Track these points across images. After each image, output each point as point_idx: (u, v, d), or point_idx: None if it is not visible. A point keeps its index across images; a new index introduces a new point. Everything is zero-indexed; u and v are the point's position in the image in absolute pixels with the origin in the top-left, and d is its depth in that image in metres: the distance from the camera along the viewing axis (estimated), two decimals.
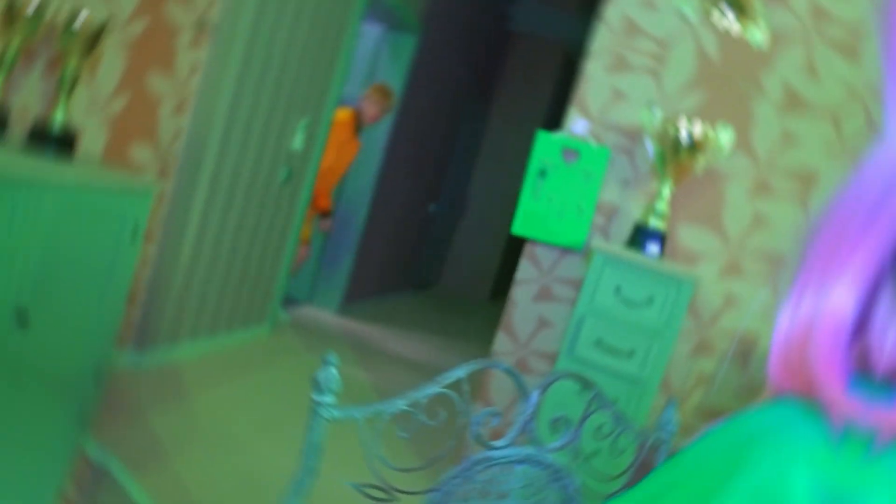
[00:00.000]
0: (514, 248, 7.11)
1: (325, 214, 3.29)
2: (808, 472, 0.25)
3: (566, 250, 2.11)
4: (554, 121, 6.61)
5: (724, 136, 1.89)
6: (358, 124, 3.22)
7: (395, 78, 3.72)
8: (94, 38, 1.62)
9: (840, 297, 0.26)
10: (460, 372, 0.76)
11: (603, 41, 2.06)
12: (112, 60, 1.91)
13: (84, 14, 1.58)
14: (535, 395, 0.82)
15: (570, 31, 5.65)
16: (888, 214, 0.26)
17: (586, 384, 0.89)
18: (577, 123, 2.05)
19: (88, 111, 1.89)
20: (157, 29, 2.03)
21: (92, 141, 1.93)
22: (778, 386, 0.28)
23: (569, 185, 2.07)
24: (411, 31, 3.68)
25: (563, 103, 6.78)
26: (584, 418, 0.84)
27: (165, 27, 2.06)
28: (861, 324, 0.27)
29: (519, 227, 2.09)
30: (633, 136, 2.05)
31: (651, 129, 1.98)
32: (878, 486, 0.25)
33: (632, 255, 1.80)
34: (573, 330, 1.82)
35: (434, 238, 5.37)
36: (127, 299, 1.74)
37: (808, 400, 0.27)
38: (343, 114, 3.14)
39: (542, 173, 2.07)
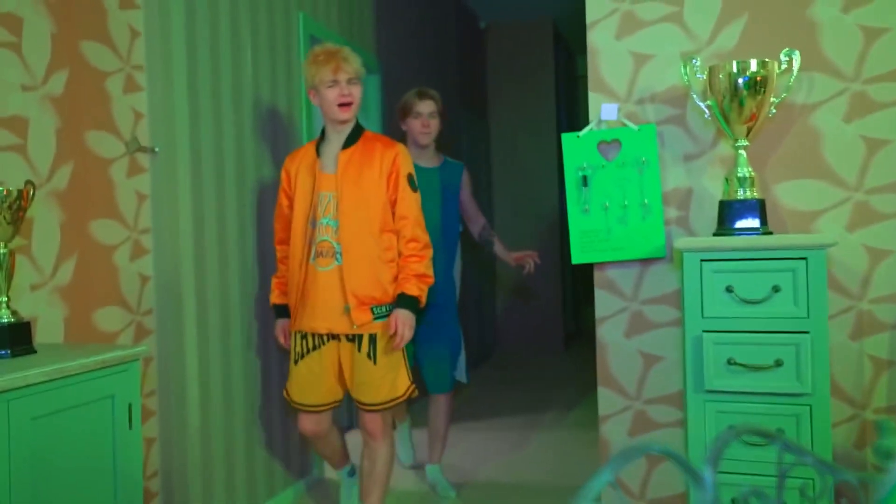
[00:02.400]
0: (579, 277, 7.01)
1: None
2: None
3: (646, 262, 2.04)
4: (565, 109, 6.65)
5: (789, 60, 1.83)
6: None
7: (369, 123, 3.77)
8: (17, 208, 1.64)
9: None
10: (607, 475, 0.68)
11: (600, 4, 2.05)
12: (45, 222, 1.94)
13: (0, 188, 1.61)
14: (708, 476, 0.73)
15: (549, 3, 5.74)
16: None
17: (764, 435, 0.81)
18: (604, 110, 2.01)
19: (35, 291, 1.90)
20: (86, 169, 2.07)
21: (48, 324, 1.94)
22: None
23: (621, 183, 2.01)
24: (370, 71, 3.76)
25: (568, 85, 6.86)
26: (782, 485, 0.74)
27: (94, 163, 2.10)
28: None
29: (579, 254, 2.03)
30: (677, 99, 2.01)
31: (696, 84, 1.93)
32: None
33: (730, 242, 1.72)
34: (692, 357, 1.73)
35: (472, 293, 5.30)
36: (143, 497, 1.69)
37: None
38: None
39: (584, 181, 2.02)
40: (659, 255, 2.00)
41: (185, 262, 2.28)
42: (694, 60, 1.90)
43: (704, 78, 1.89)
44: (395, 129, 3.21)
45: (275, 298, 2.44)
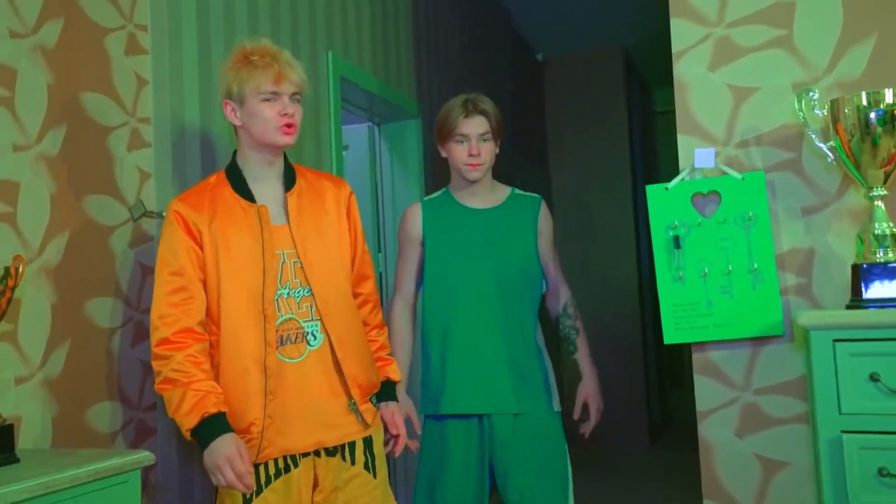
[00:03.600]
0: (665, 354, 6.77)
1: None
2: None
3: (759, 341, 1.92)
4: (641, 153, 6.58)
5: None
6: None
7: (409, 173, 3.78)
8: (2, 289, 1.64)
9: None
10: None
11: (688, 29, 2.00)
12: (35, 304, 1.94)
13: None
14: None
15: (618, 31, 5.77)
16: None
17: None
18: (698, 156, 1.94)
19: (20, 385, 1.88)
20: (83, 239, 2.07)
21: (34, 424, 1.91)
22: None
23: (722, 245, 1.92)
24: (408, 115, 3.80)
25: (644, 125, 6.80)
26: None
27: (93, 232, 2.11)
28: None
29: (673, 332, 1.93)
30: (789, 141, 1.93)
31: (814, 121, 1.84)
32: None
33: (873, 317, 1.60)
34: (829, 466, 1.59)
35: None
36: None
37: None
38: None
39: (676, 242, 1.94)
40: (776, 333, 1.89)
41: None
42: (811, 93, 1.82)
43: (825, 114, 1.80)
44: (441, 179, 3.08)
45: (211, 405, 1.81)
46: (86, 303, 2.08)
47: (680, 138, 2.02)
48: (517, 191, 2.48)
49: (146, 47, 2.24)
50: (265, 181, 1.98)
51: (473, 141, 2.32)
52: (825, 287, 1.90)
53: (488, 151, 2.35)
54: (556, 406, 2.35)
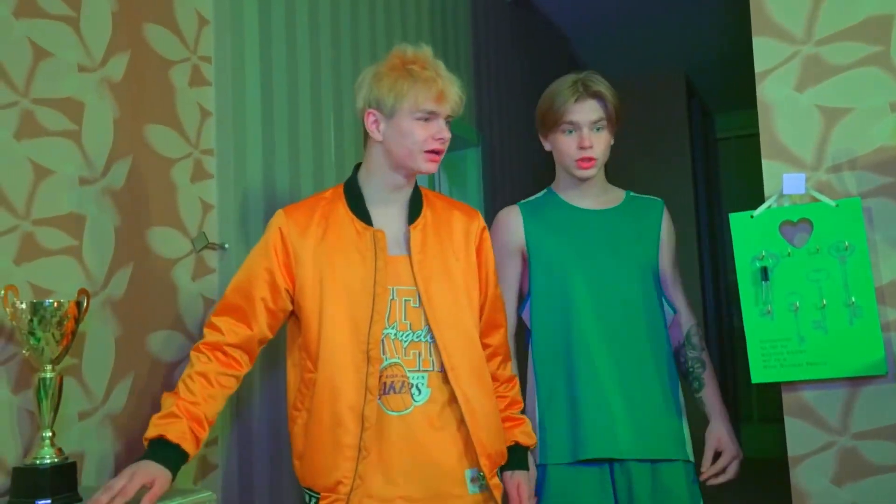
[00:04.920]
0: (742, 383, 6.49)
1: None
2: None
3: (858, 381, 1.77)
4: (704, 181, 6.39)
5: None
6: None
7: (469, 203, 3.74)
8: (70, 322, 1.61)
9: None
10: None
11: (772, 47, 1.89)
12: (99, 337, 1.91)
13: (50, 301, 1.59)
14: None
15: (679, 54, 5.64)
16: None
17: None
18: (786, 181, 1.81)
19: (83, 420, 1.85)
20: (145, 271, 2.05)
21: (97, 460, 1.88)
22: None
23: (815, 277, 1.79)
24: (468, 144, 3.74)
25: (707, 152, 6.62)
26: None
27: (155, 264, 2.08)
28: None
29: (761, 370, 1.80)
30: (888, 164, 1.79)
31: None
32: None
33: None
34: None
35: None
36: None
37: None
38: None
39: (764, 274, 1.81)
40: (878, 373, 1.74)
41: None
42: None
43: None
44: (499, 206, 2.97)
45: (175, 433, 1.60)
46: (148, 336, 2.05)
47: (765, 163, 1.90)
48: (632, 193, 2.12)
49: (210, 79, 2.23)
50: (388, 205, 1.75)
51: (585, 130, 1.92)
52: None
53: (603, 143, 1.95)
54: (690, 454, 1.96)
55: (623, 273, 1.95)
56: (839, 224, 1.78)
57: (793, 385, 1.84)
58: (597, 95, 1.94)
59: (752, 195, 2.05)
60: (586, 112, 1.93)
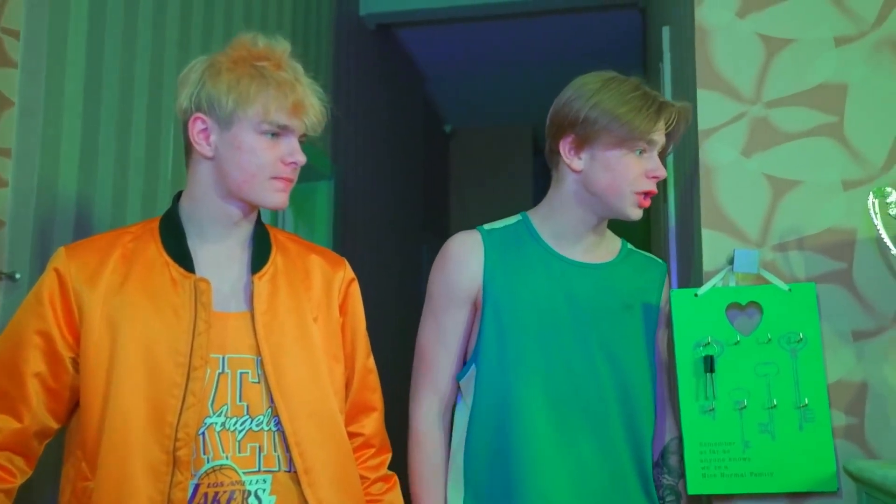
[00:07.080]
0: None
1: None
2: None
3: (801, 497, 1.53)
4: None
5: None
6: None
7: (318, 240, 3.32)
8: None
9: None
10: None
11: (717, 105, 1.65)
12: None
13: None
14: None
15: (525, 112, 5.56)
16: None
17: None
18: (738, 257, 1.56)
19: None
20: None
21: None
22: None
23: (764, 369, 1.54)
24: (322, 175, 3.32)
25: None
26: None
27: None
28: None
29: (699, 480, 1.50)
30: (838, 248, 1.60)
31: (890, 226, 1.50)
32: None
33: None
34: None
35: None
36: None
37: None
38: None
39: (709, 363, 1.53)
40: (828, 489, 1.50)
41: None
42: (889, 192, 1.48)
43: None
44: (350, 250, 2.50)
45: None
46: None
47: (705, 233, 1.65)
48: (630, 245, 1.62)
49: (15, 59, 1.68)
50: (219, 243, 1.30)
51: (656, 154, 1.46)
52: (879, 431, 1.55)
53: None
54: None
55: (616, 349, 1.47)
56: (792, 312, 1.55)
57: (729, 498, 1.57)
58: (667, 117, 1.47)
59: None
60: (661, 133, 1.46)
